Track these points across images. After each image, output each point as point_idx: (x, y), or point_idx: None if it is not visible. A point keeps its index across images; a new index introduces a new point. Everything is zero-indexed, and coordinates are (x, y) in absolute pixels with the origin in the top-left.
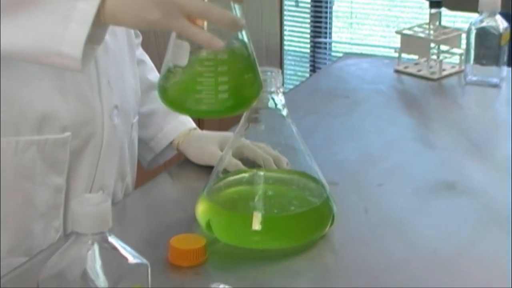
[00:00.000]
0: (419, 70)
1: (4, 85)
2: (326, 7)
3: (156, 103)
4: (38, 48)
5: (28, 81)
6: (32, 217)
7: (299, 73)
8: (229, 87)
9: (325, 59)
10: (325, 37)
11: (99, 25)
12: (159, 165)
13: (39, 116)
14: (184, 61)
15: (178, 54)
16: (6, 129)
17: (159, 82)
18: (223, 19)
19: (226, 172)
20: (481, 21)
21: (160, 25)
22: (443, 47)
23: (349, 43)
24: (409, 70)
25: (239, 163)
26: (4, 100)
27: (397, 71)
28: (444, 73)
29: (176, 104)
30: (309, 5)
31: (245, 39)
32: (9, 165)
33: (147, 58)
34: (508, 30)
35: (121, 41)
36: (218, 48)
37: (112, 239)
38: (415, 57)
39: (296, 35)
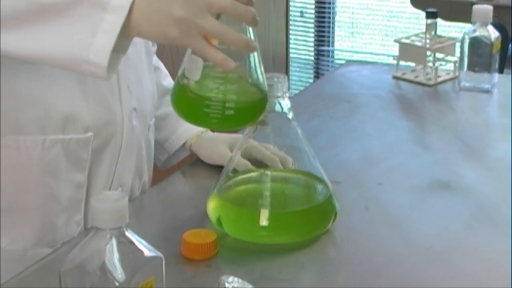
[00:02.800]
0: (416, 77)
1: (31, 88)
2: (329, 17)
3: (169, 107)
4: (67, 55)
5: (53, 85)
6: (56, 211)
7: (304, 79)
8: (235, 105)
9: (328, 66)
10: (328, 46)
11: (124, 36)
12: (173, 165)
13: (63, 117)
14: (197, 75)
15: (192, 68)
16: (33, 128)
17: (173, 91)
18: (238, 42)
19: (235, 172)
20: (474, 31)
21: (179, 41)
22: (439, 55)
23: (350, 51)
24: (406, 76)
25: (248, 163)
26: (31, 101)
27: (395, 77)
28: (440, 79)
29: (186, 114)
30: (313, 16)
31: (256, 59)
32: (35, 162)
33: (161, 65)
34: (499, 40)
35: (139, 48)
36: (230, 68)
37: (129, 234)
38: (412, 64)
39: (301, 44)
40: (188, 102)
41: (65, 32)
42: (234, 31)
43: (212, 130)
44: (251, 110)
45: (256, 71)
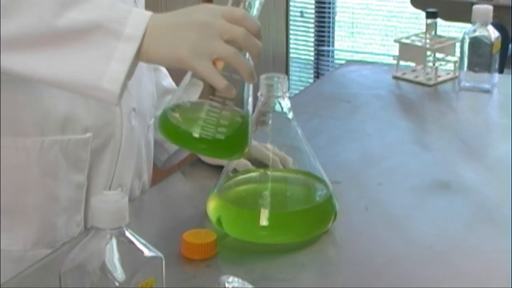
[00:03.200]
0: (416, 77)
1: (30, 89)
2: (329, 17)
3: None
4: (79, 80)
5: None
6: (56, 211)
7: (304, 79)
8: (225, 137)
9: (328, 66)
10: (328, 46)
11: (134, 63)
12: (173, 165)
13: (62, 118)
14: (195, 97)
15: (191, 91)
16: (32, 129)
17: (164, 111)
18: (246, 69)
19: (235, 172)
20: (474, 31)
21: (187, 63)
22: (439, 55)
23: (350, 51)
24: (406, 76)
25: (248, 163)
26: (30, 102)
27: (395, 77)
28: (440, 79)
29: (174, 137)
30: (313, 16)
31: (249, 92)
32: (35, 163)
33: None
34: (499, 40)
35: None
36: (231, 96)
37: (129, 234)
38: (412, 64)
39: (301, 44)
40: (180, 125)
41: (79, 58)
42: (244, 58)
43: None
44: (238, 140)
45: (246, 104)
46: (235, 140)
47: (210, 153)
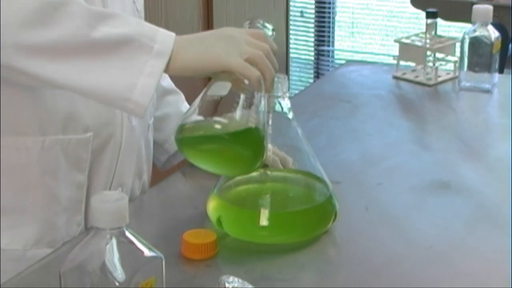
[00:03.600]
0: (416, 76)
1: (31, 88)
2: (329, 17)
3: (169, 107)
4: (111, 92)
5: None
6: (56, 211)
7: (304, 79)
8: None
9: (328, 66)
10: (328, 46)
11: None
12: (173, 165)
13: (63, 117)
14: (225, 92)
15: (220, 87)
16: (33, 128)
17: (181, 127)
18: (271, 73)
19: None
20: (474, 30)
21: (221, 60)
22: (439, 55)
23: (350, 51)
24: (406, 76)
25: None
26: (31, 102)
27: (395, 77)
28: (440, 79)
29: (190, 154)
30: (313, 16)
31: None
32: (35, 163)
33: None
34: (499, 40)
35: None
36: (260, 89)
37: (129, 234)
38: (413, 64)
39: (301, 44)
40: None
41: (111, 70)
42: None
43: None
44: (256, 152)
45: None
46: (253, 152)
47: (229, 169)
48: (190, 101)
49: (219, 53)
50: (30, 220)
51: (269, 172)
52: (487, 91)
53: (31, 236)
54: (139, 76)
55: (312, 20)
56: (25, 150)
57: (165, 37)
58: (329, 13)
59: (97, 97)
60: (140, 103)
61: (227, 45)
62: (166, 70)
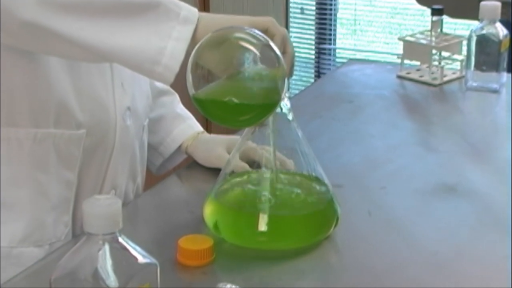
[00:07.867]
0: (421, 76)
1: (25, 79)
2: (331, 14)
3: (164, 108)
4: (139, 54)
5: (46, 76)
6: (44, 208)
7: (304, 78)
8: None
9: (330, 64)
10: (330, 44)
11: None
12: (168, 170)
13: (56, 110)
14: None
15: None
16: (25, 120)
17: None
18: (292, 50)
19: (233, 174)
20: (482, 28)
21: (247, 20)
22: (445, 54)
23: (353, 50)
24: (411, 75)
25: (246, 165)
26: (24, 92)
27: (399, 77)
28: (446, 79)
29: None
30: (314, 12)
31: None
32: (26, 155)
33: None
34: (508, 37)
35: None
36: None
37: (122, 239)
38: (417, 63)
39: (302, 42)
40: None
41: (139, 32)
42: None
43: (209, 132)
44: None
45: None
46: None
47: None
48: (185, 102)
49: (247, 17)
50: (17, 216)
51: (268, 175)
52: (495, 91)
53: (18, 233)
54: (168, 40)
55: (313, 17)
56: (16, 142)
57: (189, 7)
58: (331, 9)
59: (124, 60)
60: (171, 67)
61: (251, 18)
62: (192, 39)
